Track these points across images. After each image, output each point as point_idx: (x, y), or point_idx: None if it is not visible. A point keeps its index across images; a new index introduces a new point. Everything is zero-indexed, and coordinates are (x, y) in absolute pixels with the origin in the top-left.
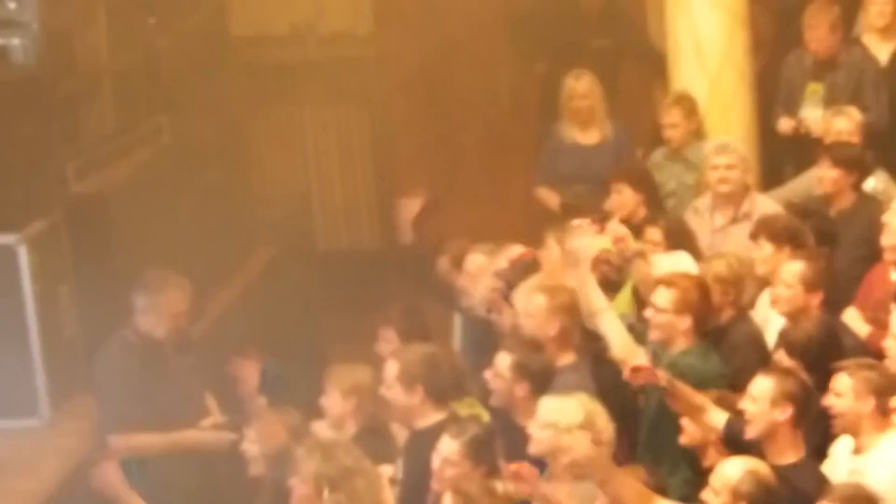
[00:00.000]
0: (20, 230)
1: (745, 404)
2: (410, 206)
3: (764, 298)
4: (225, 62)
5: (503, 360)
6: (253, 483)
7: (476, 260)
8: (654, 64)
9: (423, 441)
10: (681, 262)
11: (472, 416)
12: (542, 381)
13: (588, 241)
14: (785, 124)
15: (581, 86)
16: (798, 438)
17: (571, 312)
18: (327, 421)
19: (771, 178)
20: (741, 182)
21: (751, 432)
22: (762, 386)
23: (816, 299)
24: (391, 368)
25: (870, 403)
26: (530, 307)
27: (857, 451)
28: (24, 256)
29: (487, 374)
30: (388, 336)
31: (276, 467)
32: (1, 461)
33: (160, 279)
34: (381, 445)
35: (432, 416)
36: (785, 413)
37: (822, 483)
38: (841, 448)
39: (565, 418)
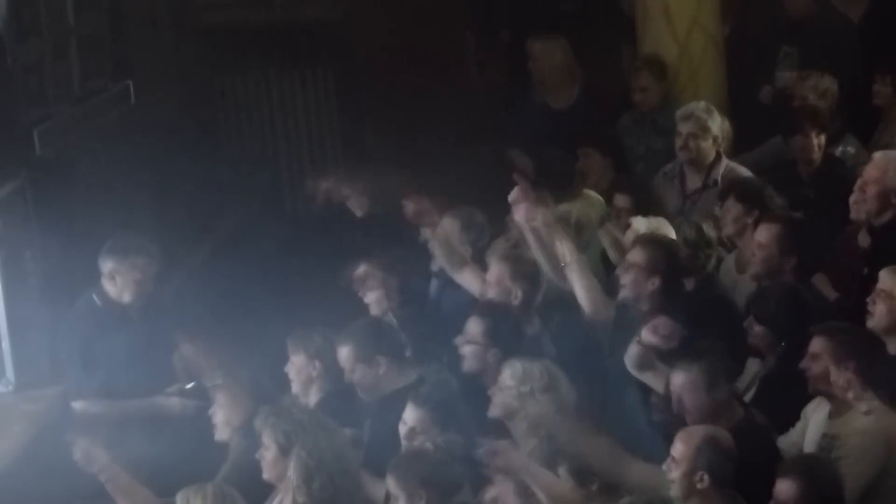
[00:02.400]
0: None
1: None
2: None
3: (729, 261)
4: (190, 25)
5: (475, 326)
6: (218, 449)
7: (447, 224)
8: (623, 28)
9: (389, 405)
10: (661, 227)
11: (438, 381)
12: (512, 346)
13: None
14: (766, 94)
15: (547, 49)
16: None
17: (533, 280)
18: (293, 387)
19: (742, 141)
20: (705, 150)
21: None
22: (712, 363)
23: (790, 263)
24: (343, 352)
25: (849, 366)
26: (494, 274)
27: (833, 414)
28: None
29: (459, 340)
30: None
31: (244, 440)
32: None
33: (126, 243)
34: (349, 408)
35: (398, 381)
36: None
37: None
38: (814, 411)
39: (529, 381)
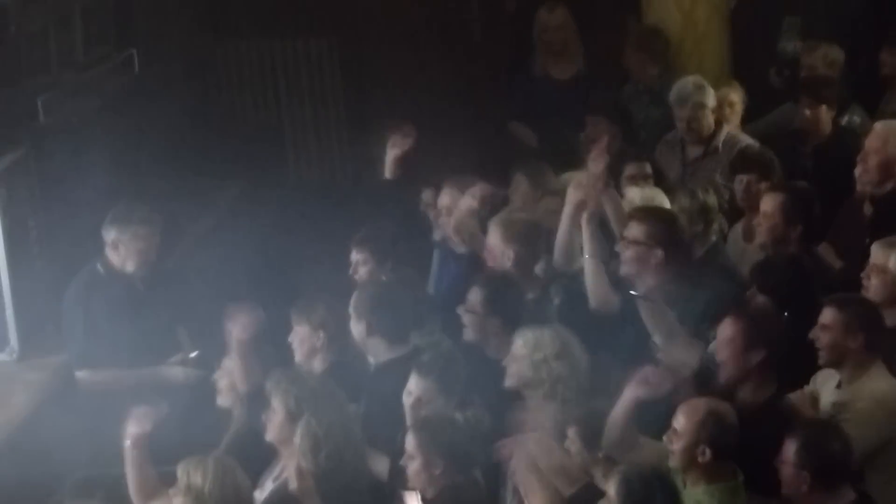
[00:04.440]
0: None
1: (718, 349)
2: (399, 143)
3: (737, 230)
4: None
5: (475, 295)
6: (221, 416)
7: (450, 194)
8: None
9: (383, 375)
10: (655, 197)
11: (439, 349)
12: (513, 316)
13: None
14: (774, 77)
15: (554, 18)
16: (770, 377)
17: (525, 242)
18: (296, 357)
19: (748, 110)
20: (705, 125)
21: (723, 375)
22: (732, 328)
23: (795, 232)
24: (356, 307)
25: (858, 338)
26: (490, 239)
27: (842, 384)
28: None
29: (460, 310)
30: (362, 259)
31: (251, 406)
32: None
33: (128, 213)
34: (352, 380)
35: (393, 351)
36: (758, 356)
37: (791, 419)
38: (823, 381)
39: (541, 349)
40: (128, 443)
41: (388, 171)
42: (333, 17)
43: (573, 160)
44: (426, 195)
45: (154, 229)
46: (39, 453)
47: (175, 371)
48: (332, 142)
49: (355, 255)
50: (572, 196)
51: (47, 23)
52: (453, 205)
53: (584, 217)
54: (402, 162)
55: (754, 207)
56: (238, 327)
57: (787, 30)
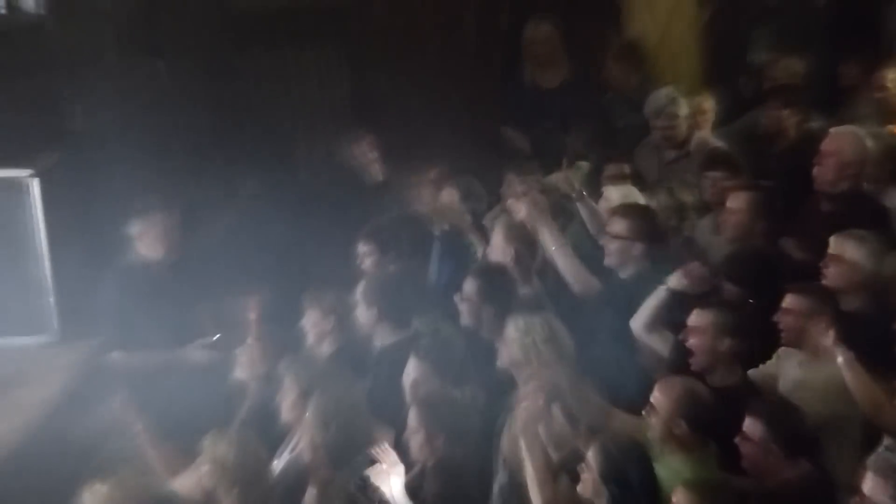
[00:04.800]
0: (32, 165)
1: (689, 336)
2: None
3: (705, 224)
4: (216, 10)
5: (470, 285)
6: (237, 394)
7: (450, 191)
8: (610, 13)
9: (388, 356)
10: (630, 195)
11: (436, 334)
12: (505, 304)
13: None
14: (743, 85)
15: (540, 33)
16: (737, 363)
17: (524, 241)
18: (308, 340)
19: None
20: (677, 133)
21: (695, 364)
22: (703, 319)
23: (760, 226)
24: (359, 290)
25: (816, 321)
26: (494, 238)
27: (802, 363)
28: (35, 188)
29: (457, 298)
30: (367, 251)
31: (262, 386)
32: (17, 373)
33: (145, 204)
34: (359, 360)
35: (395, 335)
36: (727, 344)
37: (754, 397)
38: (785, 359)
39: (531, 333)
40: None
41: (392, 168)
42: (342, 32)
43: (559, 161)
44: (425, 193)
45: (169, 213)
46: (76, 429)
47: (198, 354)
48: (339, 143)
49: (362, 247)
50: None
51: (84, 37)
52: (452, 200)
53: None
54: (382, 166)
55: (722, 204)
56: (259, 310)
57: (755, 42)
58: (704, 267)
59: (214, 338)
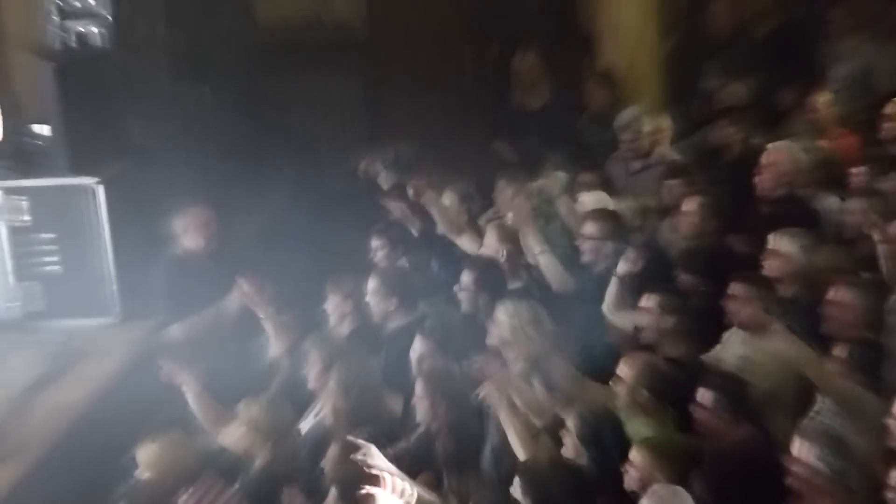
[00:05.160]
0: (98, 174)
1: (641, 315)
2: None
3: (665, 225)
4: (253, 43)
5: (466, 277)
6: (269, 368)
7: (449, 197)
8: (585, 45)
9: (399, 335)
10: (601, 200)
11: (439, 316)
12: (497, 292)
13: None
14: (695, 107)
15: (526, 63)
16: (683, 338)
17: (514, 242)
18: (330, 321)
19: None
20: (641, 146)
21: (644, 338)
22: (651, 301)
23: (711, 226)
24: (373, 280)
25: (757, 305)
26: (488, 238)
27: (746, 341)
28: (101, 193)
29: (456, 288)
30: (379, 245)
31: (291, 360)
32: (86, 349)
33: (188, 204)
34: (372, 339)
35: (406, 317)
36: (668, 322)
37: (702, 370)
38: (731, 338)
39: (517, 316)
40: (192, 395)
41: (400, 178)
42: (357, 62)
43: (542, 170)
44: (428, 196)
45: (204, 208)
46: (136, 395)
47: (230, 300)
48: (356, 156)
49: (374, 242)
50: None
51: (142, 67)
52: (451, 204)
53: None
54: (410, 172)
55: (678, 207)
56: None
57: (706, 71)
58: (638, 252)
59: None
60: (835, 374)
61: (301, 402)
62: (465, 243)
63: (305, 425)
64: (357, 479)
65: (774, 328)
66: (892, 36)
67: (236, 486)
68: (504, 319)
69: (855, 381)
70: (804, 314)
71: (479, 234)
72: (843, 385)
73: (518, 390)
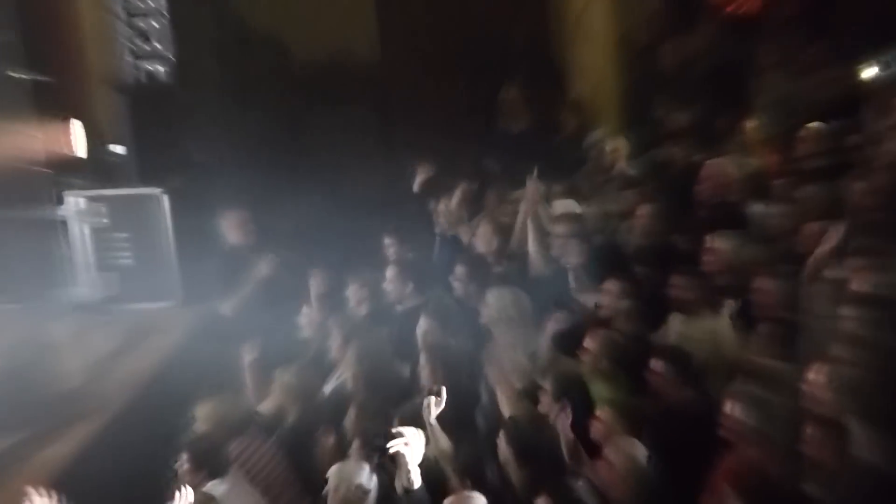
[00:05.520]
0: (163, 185)
1: (603, 297)
2: (424, 173)
3: (624, 227)
4: (290, 79)
5: (460, 269)
6: (301, 343)
7: (447, 200)
8: (558, 81)
9: (407, 315)
10: (571, 206)
11: (439, 301)
12: (484, 282)
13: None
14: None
15: (510, 95)
16: (633, 317)
17: (503, 234)
18: (350, 303)
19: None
20: (604, 162)
21: (604, 315)
22: (611, 286)
23: (661, 228)
24: (391, 270)
25: (696, 292)
26: (482, 231)
27: (685, 321)
28: (165, 201)
29: (451, 277)
30: (391, 242)
31: (318, 336)
32: (154, 327)
33: (229, 209)
34: (386, 318)
35: (414, 300)
36: (624, 304)
37: (653, 344)
38: (674, 319)
39: (502, 300)
40: (246, 363)
41: (416, 188)
42: (373, 95)
43: (522, 183)
44: (433, 203)
45: (241, 211)
46: (192, 363)
47: (261, 266)
48: (373, 170)
49: (387, 240)
50: (522, 208)
51: (200, 98)
52: (448, 207)
53: (529, 220)
54: (424, 183)
55: (634, 212)
56: (316, 284)
57: (656, 102)
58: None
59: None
60: (752, 348)
61: (325, 369)
62: (463, 235)
63: (329, 388)
64: (377, 433)
65: (708, 311)
66: (805, 73)
67: (273, 438)
68: (492, 302)
69: (775, 353)
70: (736, 297)
71: (472, 231)
72: (759, 358)
73: (506, 359)
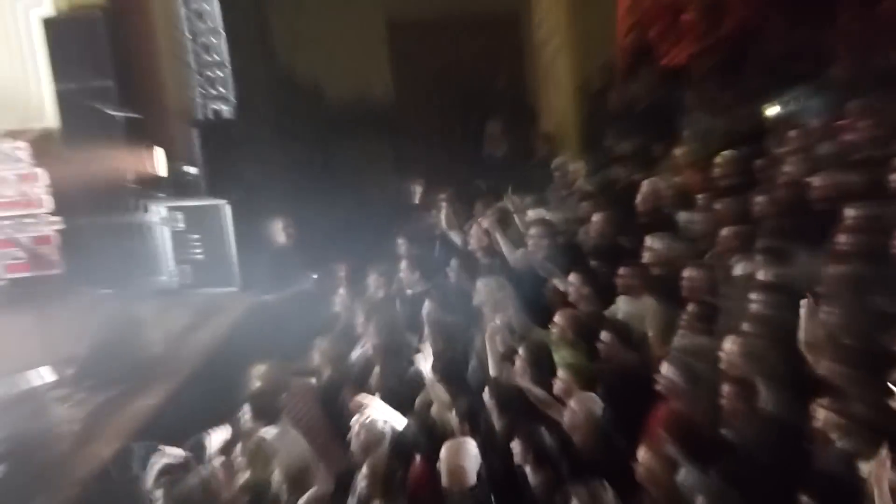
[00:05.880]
0: (226, 197)
1: (569, 285)
2: (419, 189)
3: (582, 231)
4: (324, 115)
5: (455, 263)
6: (334, 319)
7: (448, 209)
8: (532, 116)
9: (416, 298)
10: (541, 214)
11: (440, 288)
12: (474, 272)
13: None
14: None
15: (494, 128)
16: (592, 301)
17: (489, 234)
18: (370, 289)
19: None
20: (566, 180)
21: (570, 298)
22: (575, 278)
23: (610, 230)
24: (403, 263)
25: (637, 279)
26: (474, 231)
27: (627, 301)
28: (228, 210)
29: (447, 269)
30: (402, 242)
31: (348, 314)
32: (218, 307)
33: (276, 216)
34: (399, 301)
35: (420, 287)
36: (585, 290)
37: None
38: (620, 301)
39: (489, 286)
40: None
41: (416, 201)
42: (387, 128)
43: (504, 195)
44: (434, 212)
45: (284, 219)
46: (250, 336)
47: (306, 284)
48: (387, 187)
49: (399, 241)
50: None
51: (254, 129)
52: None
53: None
54: (422, 196)
55: (590, 219)
56: (345, 274)
57: (607, 134)
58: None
59: (314, 276)
60: (681, 324)
61: (352, 339)
62: (457, 237)
63: (355, 354)
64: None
65: (646, 295)
66: (721, 112)
67: (312, 392)
68: (482, 288)
69: (700, 328)
70: (668, 285)
71: (464, 232)
72: (687, 331)
73: (491, 331)
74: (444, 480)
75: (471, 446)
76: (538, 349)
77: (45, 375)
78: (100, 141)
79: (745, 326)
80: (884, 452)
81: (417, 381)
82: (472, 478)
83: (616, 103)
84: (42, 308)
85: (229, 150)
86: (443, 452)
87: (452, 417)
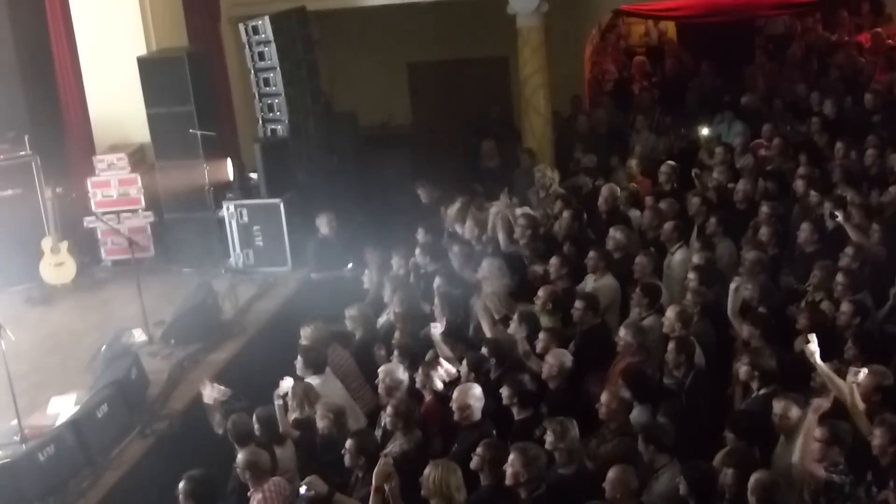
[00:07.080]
0: (281, 197)
1: (549, 266)
2: (426, 194)
3: (557, 225)
4: (357, 135)
5: (454, 249)
6: (363, 292)
7: (452, 208)
8: (517, 136)
9: (430, 276)
10: (526, 210)
11: (445, 270)
12: (472, 261)
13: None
14: (573, 167)
15: (487, 146)
16: (567, 278)
17: (482, 229)
18: (393, 269)
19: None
20: (546, 183)
21: (550, 276)
22: (553, 261)
23: (578, 225)
24: (419, 249)
25: (602, 264)
26: (468, 226)
27: (595, 279)
28: (283, 208)
29: (452, 254)
30: (420, 232)
31: (376, 288)
32: (269, 286)
33: (321, 212)
34: (416, 277)
35: (433, 266)
36: (563, 271)
37: (578, 292)
38: (588, 277)
39: (491, 265)
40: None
41: (426, 201)
42: (406, 145)
43: (496, 197)
44: (443, 210)
45: (329, 213)
46: (299, 307)
47: (346, 271)
48: (407, 190)
49: (419, 232)
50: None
51: (305, 146)
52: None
53: (498, 220)
54: (434, 198)
55: (562, 214)
56: (374, 257)
57: (575, 150)
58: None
59: (349, 266)
60: (633, 299)
61: (379, 308)
62: (460, 228)
63: (381, 320)
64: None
65: (607, 274)
66: (663, 133)
67: (348, 348)
68: (485, 267)
69: (647, 302)
70: (625, 267)
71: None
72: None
73: (488, 301)
74: (456, 416)
75: (476, 390)
76: (527, 313)
77: (140, 335)
78: (183, 153)
79: (683, 299)
80: (815, 402)
81: (429, 341)
82: (477, 414)
83: (583, 126)
84: (137, 283)
85: (284, 161)
86: (455, 394)
87: (462, 367)
